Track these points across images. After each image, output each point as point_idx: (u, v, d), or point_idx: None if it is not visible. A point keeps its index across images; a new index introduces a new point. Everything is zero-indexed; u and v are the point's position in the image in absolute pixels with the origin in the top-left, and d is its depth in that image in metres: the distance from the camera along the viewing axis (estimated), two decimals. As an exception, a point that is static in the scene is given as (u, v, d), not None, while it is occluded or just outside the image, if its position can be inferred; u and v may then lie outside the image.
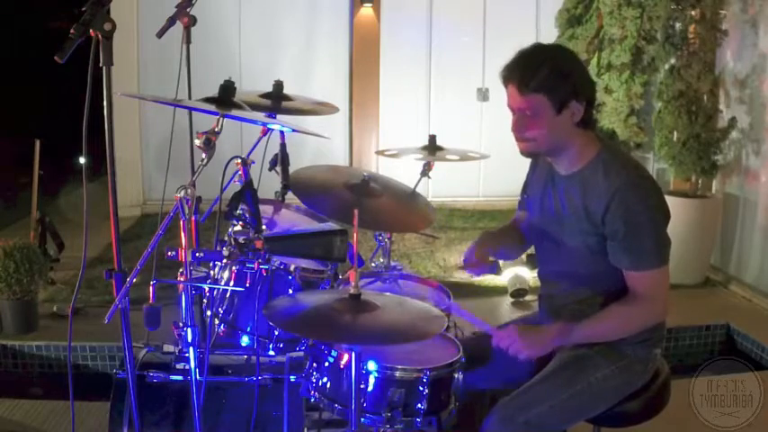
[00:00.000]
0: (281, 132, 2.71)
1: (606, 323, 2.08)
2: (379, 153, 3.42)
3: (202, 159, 1.89)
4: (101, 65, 1.70)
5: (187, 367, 2.03)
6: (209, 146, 1.87)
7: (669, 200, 2.12)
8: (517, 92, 2.02)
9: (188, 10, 2.75)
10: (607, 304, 2.09)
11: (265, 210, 2.59)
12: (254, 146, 2.69)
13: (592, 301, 2.13)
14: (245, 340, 2.37)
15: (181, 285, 1.94)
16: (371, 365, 2.01)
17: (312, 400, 2.12)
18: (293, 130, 2.09)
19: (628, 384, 2.15)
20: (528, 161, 2.39)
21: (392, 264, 2.75)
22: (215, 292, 2.41)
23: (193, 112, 2.77)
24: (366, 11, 7.07)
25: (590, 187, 2.07)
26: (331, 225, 2.43)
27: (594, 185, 2.05)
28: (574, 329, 2.08)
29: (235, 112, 1.96)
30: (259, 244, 2.07)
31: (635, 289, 2.06)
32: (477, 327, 2.20)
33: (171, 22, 2.66)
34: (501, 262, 5.11)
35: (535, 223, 2.29)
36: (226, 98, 1.98)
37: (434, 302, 2.49)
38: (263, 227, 2.14)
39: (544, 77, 1.98)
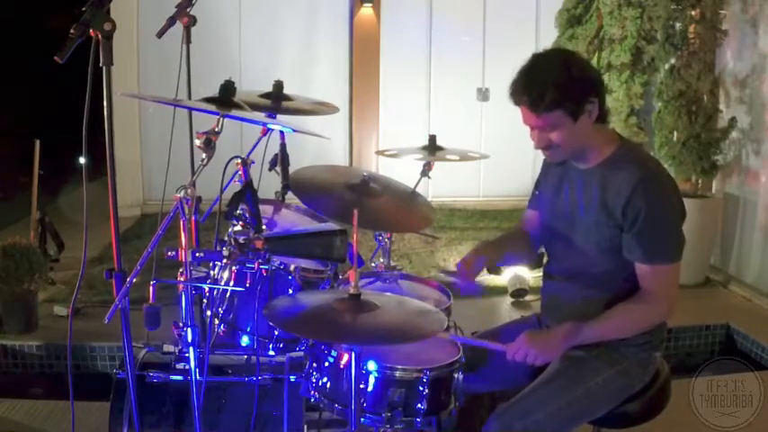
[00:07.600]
0: (281, 132, 2.71)
1: (614, 322, 2.08)
2: (379, 153, 3.41)
3: (202, 159, 1.89)
4: (101, 65, 1.70)
5: (187, 367, 2.03)
6: (209, 146, 1.88)
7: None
8: (531, 113, 2.01)
9: (188, 10, 2.75)
10: (612, 305, 2.09)
11: (265, 210, 2.58)
12: (254, 146, 2.69)
13: (597, 301, 2.12)
14: (245, 340, 2.37)
15: (181, 285, 1.94)
16: (371, 365, 2.01)
17: (312, 400, 2.11)
18: (294, 131, 2.08)
19: (627, 387, 2.15)
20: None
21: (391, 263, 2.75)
22: (215, 292, 2.41)
23: (193, 112, 2.77)
24: (366, 11, 7.07)
25: (611, 180, 2.07)
26: (331, 225, 2.43)
27: (615, 178, 2.05)
28: (583, 329, 2.08)
29: (235, 112, 1.96)
30: (259, 244, 2.06)
31: (644, 284, 2.06)
32: (489, 348, 2.19)
33: (171, 22, 2.65)
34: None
35: (546, 221, 2.29)
36: (226, 98, 1.98)
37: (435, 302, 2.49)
38: (263, 227, 2.13)
39: (554, 94, 1.95)
